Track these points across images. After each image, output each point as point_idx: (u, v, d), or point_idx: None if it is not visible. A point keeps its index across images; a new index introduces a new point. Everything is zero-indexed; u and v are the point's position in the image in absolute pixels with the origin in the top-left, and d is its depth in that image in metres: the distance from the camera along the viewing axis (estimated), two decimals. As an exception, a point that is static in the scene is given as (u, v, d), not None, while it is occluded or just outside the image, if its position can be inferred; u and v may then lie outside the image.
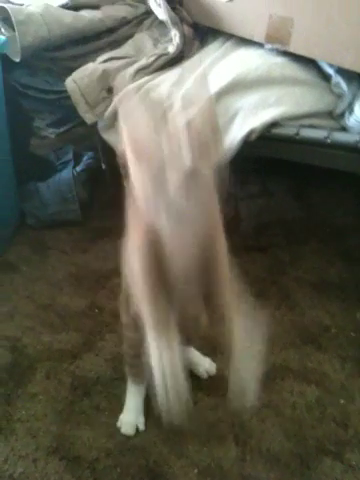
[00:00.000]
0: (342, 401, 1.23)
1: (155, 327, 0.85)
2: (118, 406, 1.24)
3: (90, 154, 2.03)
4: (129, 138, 0.75)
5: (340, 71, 1.39)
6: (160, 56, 1.61)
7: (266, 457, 1.12)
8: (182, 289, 0.86)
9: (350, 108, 1.37)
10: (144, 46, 1.70)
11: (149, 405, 1.22)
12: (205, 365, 1.30)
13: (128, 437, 1.18)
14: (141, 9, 1.75)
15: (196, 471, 1.10)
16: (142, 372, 1.13)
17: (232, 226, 1.91)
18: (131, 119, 0.75)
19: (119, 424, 1.20)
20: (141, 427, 1.20)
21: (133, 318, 0.96)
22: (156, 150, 0.73)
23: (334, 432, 1.16)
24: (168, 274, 0.82)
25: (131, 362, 1.15)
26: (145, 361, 0.87)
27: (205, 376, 1.28)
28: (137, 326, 0.91)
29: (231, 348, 0.92)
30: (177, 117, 0.75)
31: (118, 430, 1.19)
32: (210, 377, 1.28)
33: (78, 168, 1.95)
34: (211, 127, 0.76)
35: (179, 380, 0.84)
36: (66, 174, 1.90)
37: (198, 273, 0.85)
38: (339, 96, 1.41)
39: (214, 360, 1.33)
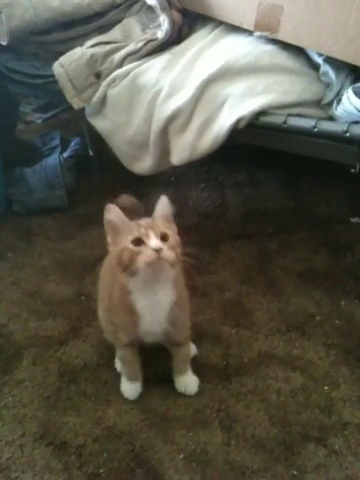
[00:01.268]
0: (326, 388, 1.25)
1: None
2: (104, 392, 1.25)
3: (77, 140, 2.02)
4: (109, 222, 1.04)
5: (329, 60, 1.39)
6: (149, 41, 1.60)
7: (251, 443, 1.13)
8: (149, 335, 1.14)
9: (338, 97, 1.37)
10: (132, 31, 1.69)
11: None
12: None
13: (114, 423, 1.18)
14: (131, -7, 1.73)
15: (182, 456, 1.11)
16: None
17: (218, 213, 1.92)
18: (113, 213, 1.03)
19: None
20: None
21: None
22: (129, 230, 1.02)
23: (318, 418, 1.18)
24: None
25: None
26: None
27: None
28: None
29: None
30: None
31: (105, 416, 1.20)
32: (196, 363, 1.29)
33: (65, 154, 1.94)
34: (167, 220, 1.05)
35: None
36: (53, 160, 1.89)
37: (163, 327, 1.11)
38: (327, 85, 1.41)
39: (199, 347, 1.34)
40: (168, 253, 0.99)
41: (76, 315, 1.46)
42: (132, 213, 1.22)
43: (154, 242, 0.98)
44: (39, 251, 1.71)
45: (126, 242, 1.00)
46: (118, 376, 1.27)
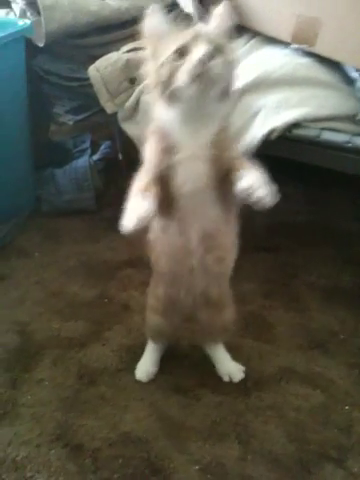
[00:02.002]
0: (347, 408, 1.22)
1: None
2: (123, 397, 1.25)
3: (107, 143, 2.03)
4: (149, 34, 0.86)
5: (365, 76, 1.38)
6: (185, 49, 1.60)
7: (268, 458, 1.12)
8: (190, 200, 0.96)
9: (372, 114, 1.36)
10: (168, 38, 1.69)
11: (154, 397, 1.24)
12: (230, 368, 1.29)
13: (131, 429, 1.18)
14: (168, 0, 1.74)
15: (197, 468, 1.10)
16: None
17: (244, 224, 1.91)
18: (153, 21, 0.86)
19: (136, 371, 1.30)
20: (151, 376, 1.28)
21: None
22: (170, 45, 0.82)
23: (337, 438, 1.16)
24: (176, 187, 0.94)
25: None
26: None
27: (226, 379, 1.28)
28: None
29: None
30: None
31: (122, 421, 1.20)
32: (216, 375, 1.28)
33: (95, 157, 1.96)
34: (224, 34, 0.87)
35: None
36: (83, 162, 1.91)
37: (210, 175, 0.94)
38: (362, 101, 1.40)
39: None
40: (219, 66, 0.80)
41: (98, 318, 1.46)
42: None
43: (202, 50, 0.79)
44: (65, 252, 1.73)
45: (167, 53, 0.82)
46: (137, 382, 1.27)
